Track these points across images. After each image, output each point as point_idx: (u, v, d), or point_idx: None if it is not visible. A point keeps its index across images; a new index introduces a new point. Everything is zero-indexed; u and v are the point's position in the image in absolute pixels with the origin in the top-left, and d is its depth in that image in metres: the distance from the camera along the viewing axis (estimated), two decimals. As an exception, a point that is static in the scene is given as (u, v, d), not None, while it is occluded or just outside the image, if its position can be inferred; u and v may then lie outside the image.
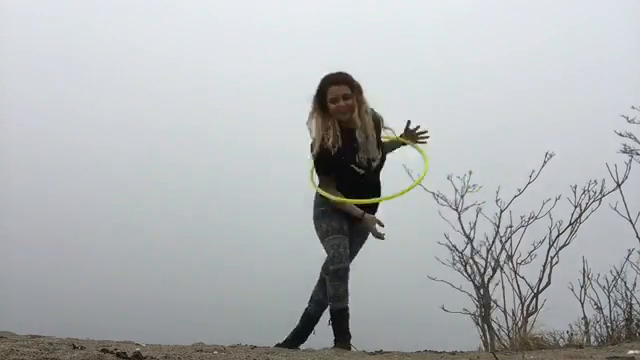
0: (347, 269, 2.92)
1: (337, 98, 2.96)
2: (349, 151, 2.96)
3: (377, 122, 3.08)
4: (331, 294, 2.91)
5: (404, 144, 3.25)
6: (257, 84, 7.70)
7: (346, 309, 2.93)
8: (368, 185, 3.02)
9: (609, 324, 3.70)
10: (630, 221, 3.73)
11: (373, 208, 3.07)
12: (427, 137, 3.20)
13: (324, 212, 3.01)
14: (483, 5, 8.10)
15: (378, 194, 3.07)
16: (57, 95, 7.76)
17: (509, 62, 7.93)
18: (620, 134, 3.95)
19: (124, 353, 1.72)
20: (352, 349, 2.83)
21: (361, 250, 3.14)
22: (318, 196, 3.05)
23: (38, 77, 7.71)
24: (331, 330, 2.94)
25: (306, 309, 3.12)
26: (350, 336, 2.91)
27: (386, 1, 8.20)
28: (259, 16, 8.06)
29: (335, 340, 2.90)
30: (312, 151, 2.98)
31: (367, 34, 7.60)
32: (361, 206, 2.98)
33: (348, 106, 2.96)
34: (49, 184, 7.55)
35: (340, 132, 2.94)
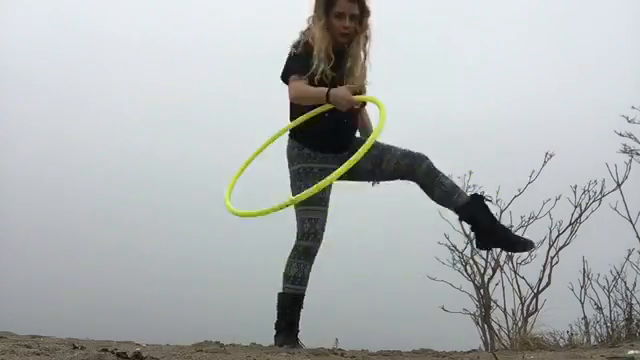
0: (315, 252, 2.64)
1: (344, 14, 2.59)
2: (332, 79, 2.57)
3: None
4: (291, 274, 2.65)
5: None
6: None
7: (302, 296, 2.67)
8: (345, 124, 2.63)
9: (609, 324, 3.70)
10: (630, 221, 3.74)
11: (347, 135, 2.68)
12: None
13: (299, 173, 2.65)
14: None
15: (354, 137, 2.69)
16: (57, 111, 7.83)
17: (509, 61, 7.93)
18: (620, 134, 3.95)
19: (124, 353, 1.72)
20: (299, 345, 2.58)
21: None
22: (288, 149, 2.70)
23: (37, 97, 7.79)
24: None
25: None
26: (292, 330, 2.64)
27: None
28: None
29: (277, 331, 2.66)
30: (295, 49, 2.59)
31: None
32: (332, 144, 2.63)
33: (352, 28, 2.60)
34: (49, 183, 7.55)
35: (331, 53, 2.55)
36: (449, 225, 4.36)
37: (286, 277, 2.69)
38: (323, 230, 2.67)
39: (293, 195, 2.60)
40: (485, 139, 6.96)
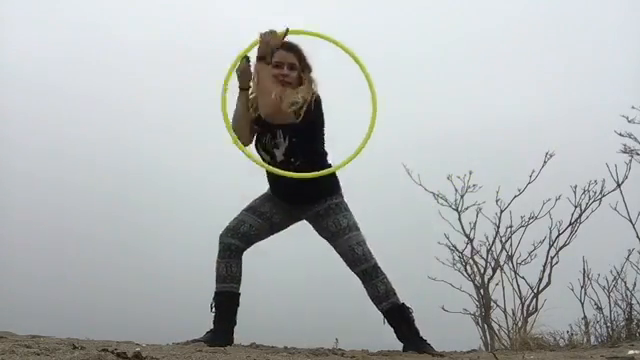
0: (236, 247, 2.70)
1: (282, 64, 2.70)
2: (264, 130, 2.73)
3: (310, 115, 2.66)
4: (218, 273, 2.72)
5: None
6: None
7: (234, 295, 2.71)
8: (278, 178, 2.70)
9: (609, 324, 3.70)
10: (630, 221, 3.74)
11: (303, 194, 2.74)
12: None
13: (264, 194, 2.85)
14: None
15: (311, 196, 2.74)
16: (57, 112, 7.85)
17: (509, 61, 7.93)
18: (620, 134, 3.95)
19: (124, 353, 1.72)
20: None
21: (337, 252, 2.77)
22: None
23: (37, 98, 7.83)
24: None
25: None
26: (225, 330, 2.66)
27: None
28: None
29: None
30: None
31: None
32: (287, 192, 2.76)
33: (291, 78, 2.70)
34: (49, 182, 7.55)
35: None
36: (449, 225, 4.37)
37: (217, 276, 2.74)
38: (250, 236, 2.75)
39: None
40: (485, 139, 6.96)
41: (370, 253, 2.73)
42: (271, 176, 2.77)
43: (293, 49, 2.74)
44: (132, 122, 7.94)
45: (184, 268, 6.88)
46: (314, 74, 2.79)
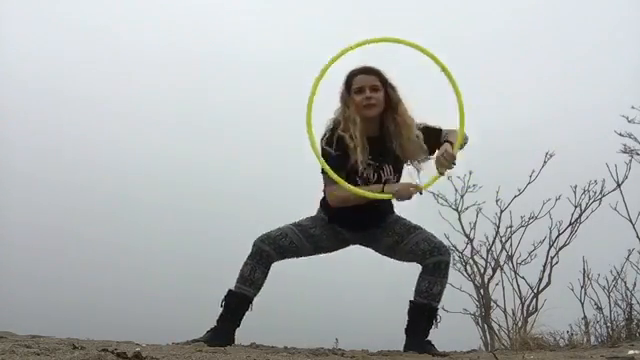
0: (267, 254, 2.61)
1: (363, 88, 2.58)
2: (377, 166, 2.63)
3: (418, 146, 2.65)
4: (242, 273, 2.62)
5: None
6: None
7: (247, 298, 2.62)
8: (369, 207, 2.62)
9: (609, 324, 3.69)
10: (630, 221, 3.73)
11: (372, 218, 2.72)
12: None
13: (315, 217, 2.77)
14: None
15: (377, 221, 2.71)
16: (57, 113, 7.86)
17: (508, 61, 7.93)
18: (620, 134, 3.95)
19: (124, 353, 1.72)
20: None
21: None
22: (321, 205, 2.79)
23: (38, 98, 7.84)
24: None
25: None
26: (227, 330, 2.58)
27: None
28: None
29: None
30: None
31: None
32: (360, 215, 2.66)
33: (376, 99, 2.59)
34: (48, 182, 7.55)
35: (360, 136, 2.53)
36: (449, 225, 4.37)
37: (239, 276, 2.67)
38: (287, 251, 2.67)
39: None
40: (485, 139, 6.95)
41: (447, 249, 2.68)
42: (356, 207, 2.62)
43: (371, 71, 2.65)
44: (132, 122, 7.95)
45: (184, 268, 6.89)
46: (400, 92, 2.69)
